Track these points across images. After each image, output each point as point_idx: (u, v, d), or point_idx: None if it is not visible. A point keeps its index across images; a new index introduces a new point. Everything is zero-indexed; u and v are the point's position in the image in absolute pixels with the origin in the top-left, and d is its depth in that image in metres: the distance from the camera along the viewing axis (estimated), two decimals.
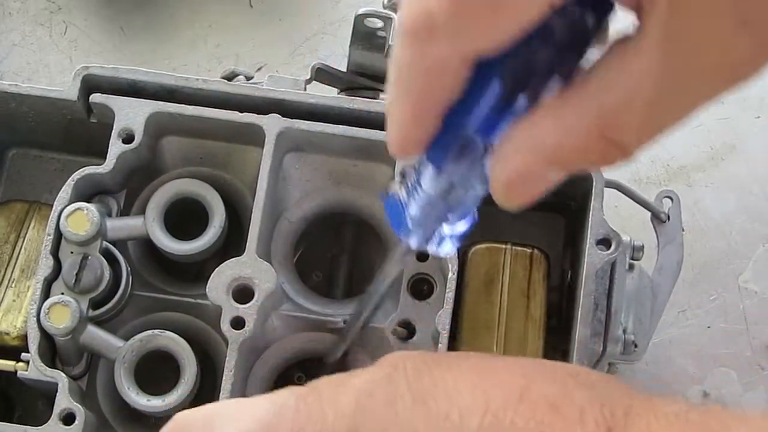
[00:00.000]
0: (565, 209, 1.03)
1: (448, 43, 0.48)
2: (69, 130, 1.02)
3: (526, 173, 0.52)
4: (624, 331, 0.97)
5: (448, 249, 0.64)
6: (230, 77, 1.03)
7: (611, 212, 1.16)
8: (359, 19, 0.98)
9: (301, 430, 0.57)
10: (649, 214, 1.04)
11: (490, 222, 1.02)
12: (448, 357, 0.58)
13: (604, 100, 0.49)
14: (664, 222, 1.02)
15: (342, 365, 0.94)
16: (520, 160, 0.52)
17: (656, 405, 0.53)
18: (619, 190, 1.01)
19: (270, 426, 0.59)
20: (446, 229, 0.62)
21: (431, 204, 0.59)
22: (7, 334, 0.94)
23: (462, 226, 0.62)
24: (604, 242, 0.92)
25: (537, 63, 0.50)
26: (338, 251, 1.07)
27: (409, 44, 0.50)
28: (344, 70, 1.06)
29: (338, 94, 1.05)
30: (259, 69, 1.28)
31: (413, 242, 0.63)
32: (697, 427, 0.52)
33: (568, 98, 0.50)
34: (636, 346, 0.98)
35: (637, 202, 1.01)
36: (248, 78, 1.04)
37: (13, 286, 0.97)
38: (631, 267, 0.99)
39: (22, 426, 0.89)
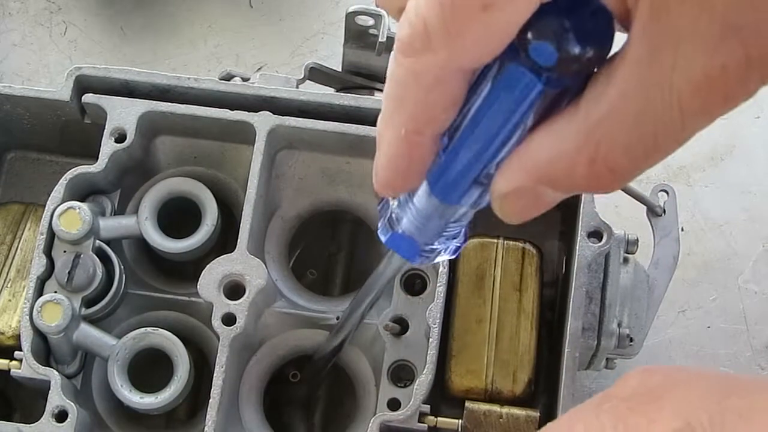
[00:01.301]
0: (560, 204, 1.03)
1: (445, 51, 0.47)
2: (64, 131, 1.03)
3: (520, 190, 0.51)
4: (619, 325, 0.96)
5: (446, 257, 0.62)
6: (227, 79, 1.03)
7: (612, 212, 1.15)
8: (350, 17, 0.98)
9: None
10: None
11: (485, 216, 1.01)
12: (748, 401, 0.51)
13: (591, 114, 0.47)
14: (660, 216, 1.01)
15: (334, 361, 0.94)
16: (515, 176, 0.50)
17: None
18: None
19: None
20: (443, 241, 0.60)
21: (427, 220, 0.58)
22: (2, 333, 0.94)
23: (458, 239, 0.61)
24: (596, 234, 0.92)
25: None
26: (335, 249, 1.07)
27: (406, 57, 0.48)
28: (341, 70, 1.06)
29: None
30: (259, 69, 1.28)
31: (416, 261, 0.62)
32: None
33: (562, 115, 0.48)
34: (632, 340, 0.97)
35: (633, 196, 1.01)
36: (245, 79, 1.04)
37: (9, 286, 0.97)
38: (626, 261, 0.98)
39: (14, 423, 0.89)
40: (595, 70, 0.47)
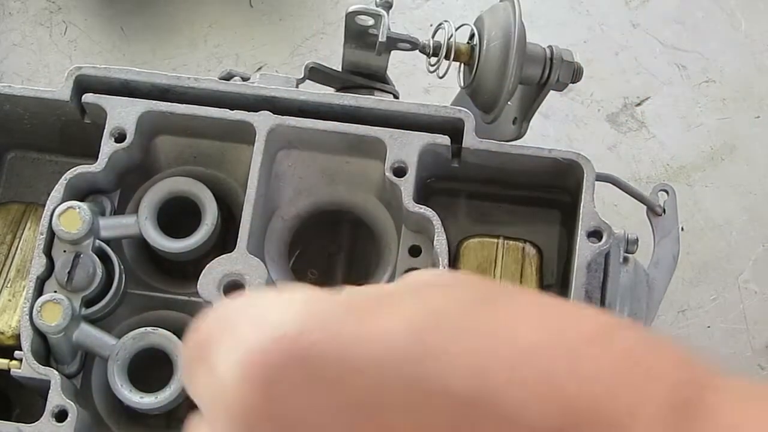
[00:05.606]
0: (560, 204, 1.03)
1: None
2: (64, 131, 1.03)
3: None
4: None
5: None
6: (227, 78, 1.03)
7: (611, 211, 1.16)
8: (350, 17, 0.98)
9: None
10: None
11: (486, 218, 1.01)
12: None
13: None
14: (660, 215, 1.01)
15: None
16: None
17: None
18: (614, 184, 1.00)
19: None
20: None
21: None
22: (2, 333, 0.94)
23: None
24: (595, 234, 0.92)
25: None
26: (335, 250, 1.07)
27: None
28: (341, 69, 1.06)
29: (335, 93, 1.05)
30: (259, 69, 1.28)
31: None
32: None
33: None
34: None
35: (633, 196, 1.01)
36: (245, 79, 1.04)
37: (9, 286, 0.97)
38: (626, 260, 0.98)
39: (14, 423, 0.89)
40: None
